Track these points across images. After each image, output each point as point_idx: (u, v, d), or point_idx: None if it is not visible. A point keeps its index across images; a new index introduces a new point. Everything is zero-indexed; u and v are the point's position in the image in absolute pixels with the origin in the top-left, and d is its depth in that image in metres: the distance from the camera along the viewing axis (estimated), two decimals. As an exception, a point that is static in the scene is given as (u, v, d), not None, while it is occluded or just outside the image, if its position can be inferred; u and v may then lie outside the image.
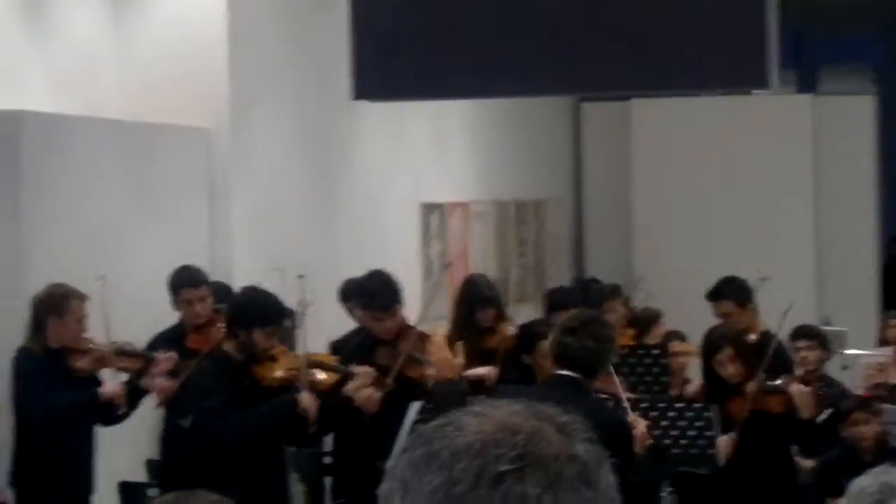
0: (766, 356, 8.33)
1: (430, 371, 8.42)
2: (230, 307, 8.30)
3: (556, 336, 7.02)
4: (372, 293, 8.75)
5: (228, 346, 7.96)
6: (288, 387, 7.91)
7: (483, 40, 7.44)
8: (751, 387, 8.23)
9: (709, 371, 8.61)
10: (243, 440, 7.64)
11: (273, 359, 7.94)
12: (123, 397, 8.19)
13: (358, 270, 9.30)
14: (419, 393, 8.13)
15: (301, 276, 8.55)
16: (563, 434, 1.67)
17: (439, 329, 8.69)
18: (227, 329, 8.10)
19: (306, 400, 7.80)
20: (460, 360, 8.55)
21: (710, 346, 8.60)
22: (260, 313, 7.95)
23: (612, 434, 6.92)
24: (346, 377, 8.25)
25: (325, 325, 9.43)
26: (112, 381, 8.20)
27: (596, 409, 7.05)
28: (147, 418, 8.83)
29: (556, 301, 10.41)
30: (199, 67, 10.63)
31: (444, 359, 8.38)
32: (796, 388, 8.25)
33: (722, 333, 8.74)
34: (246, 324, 7.89)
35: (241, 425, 7.66)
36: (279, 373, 7.94)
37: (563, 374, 6.85)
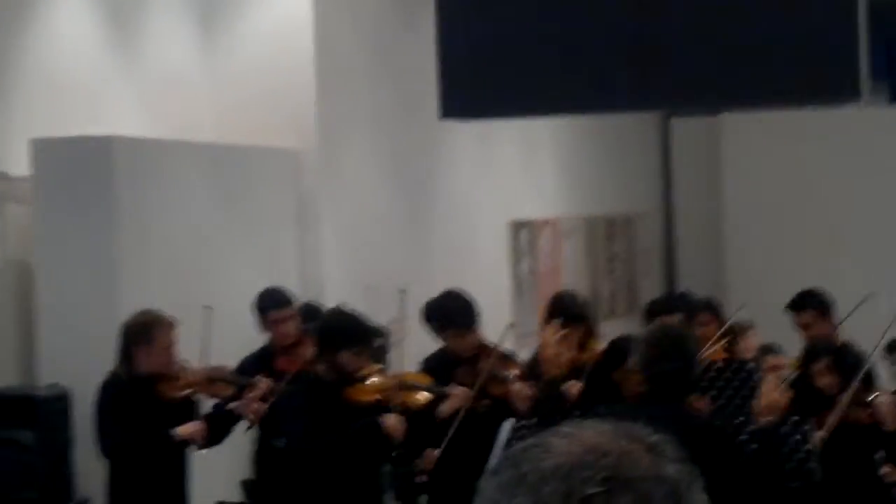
0: (861, 369, 8.27)
1: (516, 387, 8.41)
2: (317, 330, 8.31)
3: (645, 352, 7.03)
4: (450, 314, 8.76)
5: (319, 368, 7.99)
6: (381, 406, 7.93)
7: (571, 57, 7.43)
8: (843, 399, 8.17)
9: (803, 382, 8.57)
10: (332, 462, 7.66)
11: (364, 379, 7.96)
12: (203, 435, 8.16)
13: (450, 287, 9.31)
14: (504, 411, 8.13)
15: (402, 291, 8.55)
16: (653, 454, 1.68)
17: (551, 328, 8.64)
18: (317, 351, 8.15)
19: (392, 422, 7.82)
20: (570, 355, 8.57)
21: (810, 355, 8.58)
22: (346, 335, 7.96)
23: (712, 441, 6.92)
24: (440, 398, 8.27)
25: (418, 341, 9.45)
26: (191, 423, 8.12)
27: (693, 420, 7.06)
28: (241, 438, 8.87)
29: (655, 311, 10.39)
30: (287, 90, 10.68)
31: (553, 355, 8.32)
32: (882, 399, 8.20)
33: (823, 345, 8.73)
34: (333, 346, 7.90)
35: (330, 448, 7.69)
36: (370, 394, 7.93)
37: (660, 390, 6.85)
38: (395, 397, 7.94)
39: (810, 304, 9.66)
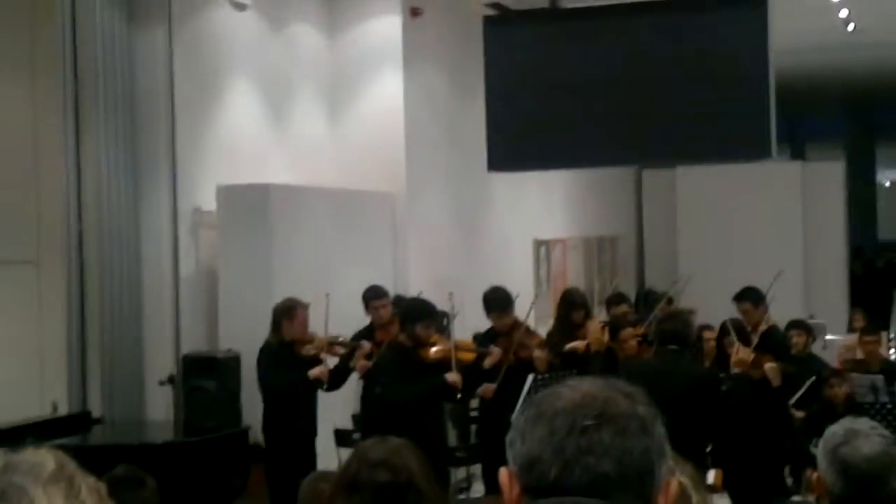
0: (755, 339, 8.17)
1: (536, 353, 8.40)
2: (400, 311, 8.32)
3: (658, 325, 7.09)
4: (493, 301, 8.75)
5: (402, 337, 7.98)
6: (444, 362, 7.91)
7: (575, 129, 7.42)
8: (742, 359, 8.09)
9: (720, 349, 8.55)
10: (411, 402, 7.67)
11: (432, 344, 7.95)
12: (326, 376, 8.14)
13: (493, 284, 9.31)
14: (528, 368, 8.12)
15: (451, 293, 8.54)
16: (629, 399, 1.66)
17: (597, 319, 8.75)
18: (400, 325, 8.14)
19: (452, 377, 7.79)
20: (606, 338, 8.56)
21: (723, 332, 8.53)
22: (418, 313, 7.94)
23: (704, 382, 6.92)
24: (483, 356, 8.26)
25: (471, 324, 9.44)
26: (319, 367, 8.14)
27: (692, 368, 7.10)
28: (356, 386, 8.89)
29: (610, 301, 10.38)
30: (385, 150, 10.69)
31: (597, 338, 8.46)
32: (770, 365, 8.12)
33: (732, 324, 8.65)
34: (410, 321, 7.89)
35: (410, 394, 7.69)
36: (436, 354, 7.94)
37: (669, 348, 6.84)
38: (453, 355, 7.94)
39: (748, 297, 9.55)
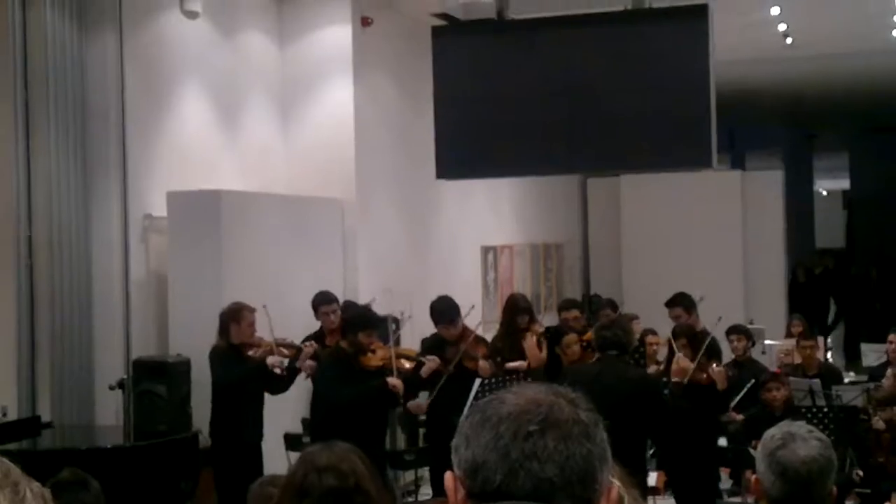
0: (704, 345, 8.22)
1: (481, 363, 8.42)
2: (342, 319, 8.33)
3: (597, 331, 7.11)
4: (440, 313, 8.76)
5: (343, 344, 7.98)
6: (384, 368, 7.91)
7: (523, 139, 7.45)
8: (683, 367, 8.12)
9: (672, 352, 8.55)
10: (352, 403, 7.65)
11: (373, 352, 7.96)
12: (283, 366, 8.16)
13: (441, 291, 9.30)
14: (474, 376, 8.14)
15: (402, 312, 8.51)
16: (572, 405, 1.66)
17: (534, 331, 8.67)
18: (341, 333, 8.13)
19: (392, 381, 7.82)
20: (543, 354, 8.53)
21: (674, 336, 8.55)
22: (361, 321, 7.97)
23: (645, 386, 6.95)
24: (421, 364, 8.26)
25: (419, 329, 9.43)
26: (274, 356, 8.18)
27: (632, 372, 7.13)
28: (305, 391, 8.85)
29: (561, 306, 10.40)
30: (335, 157, 10.66)
31: (534, 355, 8.44)
32: (717, 369, 8.18)
33: (682, 329, 8.69)
34: (353, 328, 7.91)
35: (349, 395, 7.68)
36: (376, 361, 7.94)
37: (609, 354, 6.88)
38: (392, 363, 7.94)
39: (680, 303, 9.61)
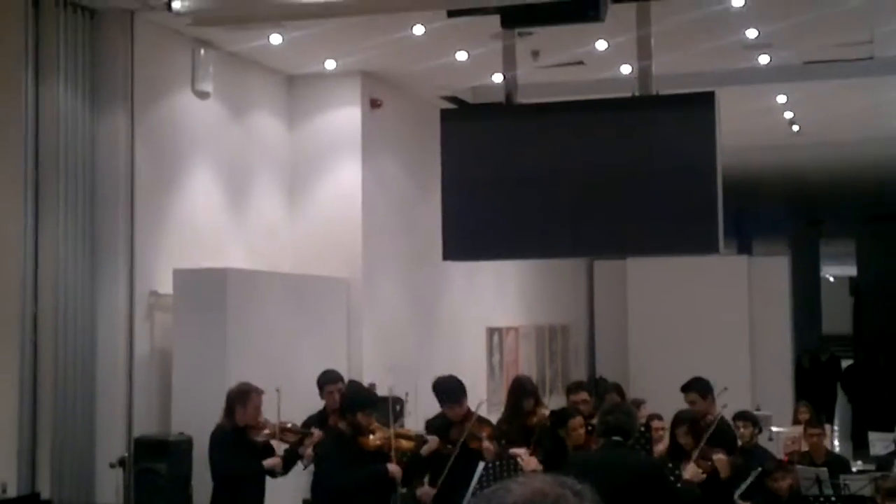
0: (706, 434, 8.11)
1: (485, 444, 8.32)
2: (342, 399, 8.24)
3: (600, 416, 6.99)
4: (445, 393, 8.69)
5: (342, 425, 7.90)
6: (383, 449, 7.81)
7: (528, 221, 7.44)
8: (694, 455, 8.03)
9: (673, 439, 8.44)
10: (350, 488, 7.56)
11: (372, 432, 7.88)
12: (280, 466, 8.02)
13: (446, 372, 9.24)
14: (478, 457, 8.03)
15: (406, 393, 8.43)
16: (578, 497, 1.64)
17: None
18: (340, 413, 8.04)
19: (393, 468, 7.72)
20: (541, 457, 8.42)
21: (676, 423, 8.45)
22: (359, 401, 7.87)
23: (648, 472, 6.83)
24: (422, 443, 8.18)
25: (424, 409, 9.35)
26: (273, 458, 8.01)
27: (635, 458, 7.00)
28: (307, 473, 8.74)
29: (570, 389, 10.30)
30: (342, 239, 10.68)
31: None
32: (719, 457, 8.07)
33: (684, 416, 8.59)
34: (351, 408, 7.81)
35: (348, 479, 7.58)
36: (375, 442, 7.85)
37: (612, 440, 6.77)
38: (392, 444, 7.85)
39: (695, 388, 9.50)
